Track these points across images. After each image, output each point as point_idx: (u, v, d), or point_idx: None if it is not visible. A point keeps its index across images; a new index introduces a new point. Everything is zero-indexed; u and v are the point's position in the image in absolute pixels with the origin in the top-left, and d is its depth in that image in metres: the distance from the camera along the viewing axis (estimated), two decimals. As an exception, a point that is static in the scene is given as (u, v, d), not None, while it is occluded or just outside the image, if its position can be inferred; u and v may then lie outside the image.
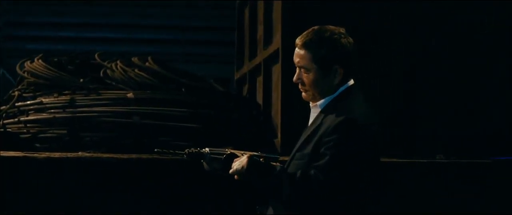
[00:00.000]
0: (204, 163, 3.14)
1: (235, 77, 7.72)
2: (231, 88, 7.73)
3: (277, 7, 5.81)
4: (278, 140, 5.64)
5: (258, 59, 6.52)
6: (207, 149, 3.09)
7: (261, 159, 2.95)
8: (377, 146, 3.00)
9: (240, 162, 2.91)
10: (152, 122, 5.78)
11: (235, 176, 2.95)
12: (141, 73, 6.21)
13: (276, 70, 5.85)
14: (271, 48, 5.95)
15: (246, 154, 3.01)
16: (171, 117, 5.81)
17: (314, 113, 3.06)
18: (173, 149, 3.24)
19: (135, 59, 6.46)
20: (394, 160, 5.04)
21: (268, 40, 6.20)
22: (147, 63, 6.39)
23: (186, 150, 3.09)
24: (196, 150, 3.09)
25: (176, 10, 13.35)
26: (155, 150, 3.25)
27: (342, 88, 3.04)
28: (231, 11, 7.98)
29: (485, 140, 5.53)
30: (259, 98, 6.49)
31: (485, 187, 4.99)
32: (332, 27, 3.05)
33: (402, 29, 5.61)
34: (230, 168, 2.97)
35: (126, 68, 6.27)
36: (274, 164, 2.96)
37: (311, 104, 3.09)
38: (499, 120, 5.61)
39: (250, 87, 6.92)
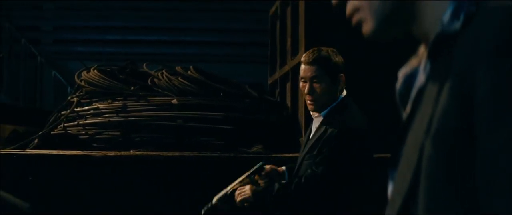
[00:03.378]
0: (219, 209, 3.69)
1: (269, 82, 7.99)
2: (265, 92, 7.94)
3: (301, 25, 6.17)
4: (302, 139, 5.88)
5: (287, 68, 6.81)
6: (214, 200, 3.62)
7: (259, 181, 3.60)
8: (369, 147, 3.56)
9: (244, 193, 3.51)
10: (193, 124, 6.02)
11: (245, 204, 3.53)
12: (184, 81, 6.35)
13: (301, 78, 6.28)
14: (297, 59, 6.20)
15: (243, 184, 3.59)
16: (209, 119, 6.03)
17: (317, 122, 3.60)
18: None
19: (178, 68, 6.59)
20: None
21: (295, 51, 6.51)
22: (189, 72, 6.51)
23: (202, 211, 3.64)
24: (209, 207, 3.63)
25: (216, 13, 13.45)
26: None
27: (339, 98, 3.57)
28: (266, 14, 8.18)
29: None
30: (288, 102, 6.73)
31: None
32: (325, 47, 3.61)
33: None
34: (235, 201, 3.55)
35: (171, 77, 6.42)
36: (279, 169, 3.65)
37: (315, 115, 3.63)
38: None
39: (281, 92, 7.15)
